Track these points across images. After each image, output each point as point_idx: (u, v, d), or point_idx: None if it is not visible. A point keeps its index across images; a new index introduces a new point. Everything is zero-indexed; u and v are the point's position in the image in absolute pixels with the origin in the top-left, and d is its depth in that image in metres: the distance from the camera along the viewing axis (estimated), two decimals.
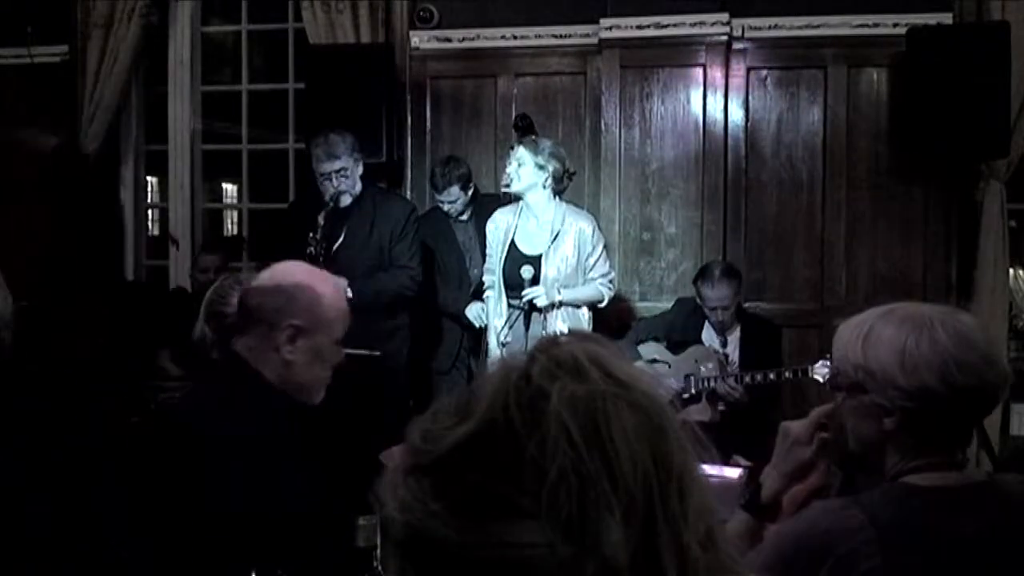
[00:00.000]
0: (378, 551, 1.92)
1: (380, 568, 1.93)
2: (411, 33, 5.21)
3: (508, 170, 4.05)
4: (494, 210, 4.38)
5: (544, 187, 3.99)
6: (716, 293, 4.06)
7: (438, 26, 5.23)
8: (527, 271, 3.94)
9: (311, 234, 4.09)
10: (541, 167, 3.96)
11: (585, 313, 4.07)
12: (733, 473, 3.05)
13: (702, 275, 4.14)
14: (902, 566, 1.45)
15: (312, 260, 4.07)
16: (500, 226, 4.12)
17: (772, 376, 3.93)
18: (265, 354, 2.02)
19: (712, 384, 4.02)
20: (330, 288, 2.10)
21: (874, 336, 1.54)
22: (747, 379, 3.96)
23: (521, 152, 3.98)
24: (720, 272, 4.09)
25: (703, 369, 4.05)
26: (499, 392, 0.74)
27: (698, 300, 4.16)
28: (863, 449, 1.59)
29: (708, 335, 4.19)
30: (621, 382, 0.74)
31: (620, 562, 0.68)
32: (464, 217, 4.65)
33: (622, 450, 0.70)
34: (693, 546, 0.72)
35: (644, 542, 0.70)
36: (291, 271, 2.09)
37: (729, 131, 4.86)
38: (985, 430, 4.04)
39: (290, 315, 2.01)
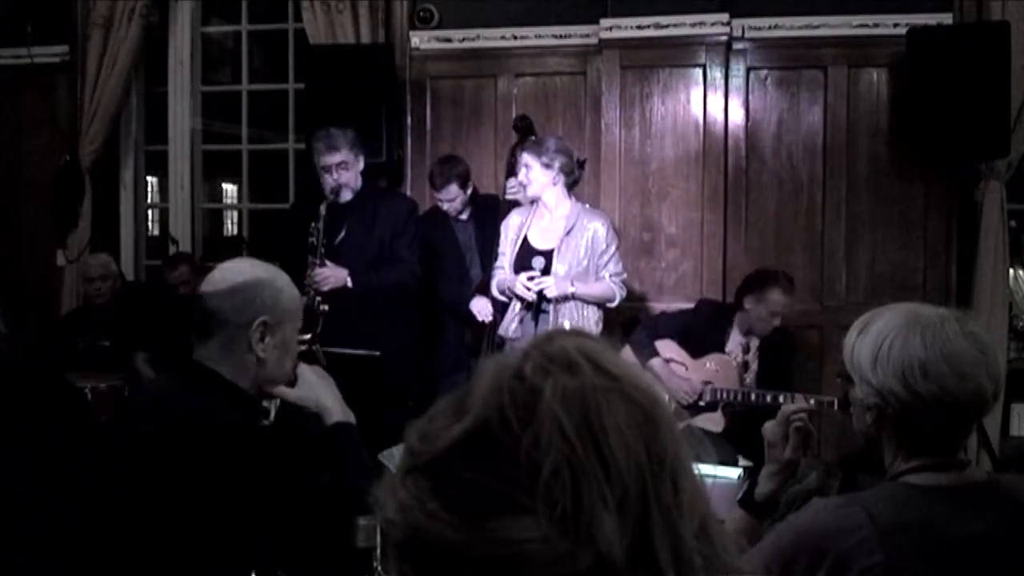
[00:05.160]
0: (378, 552, 1.92)
1: (380, 569, 1.93)
2: (411, 33, 5.22)
3: (519, 177, 4.01)
4: (493, 209, 4.37)
5: (555, 184, 3.97)
6: (787, 299, 4.04)
7: (438, 26, 5.23)
8: (538, 262, 3.92)
9: (312, 224, 4.11)
10: (548, 165, 3.95)
11: (594, 313, 4.04)
12: (732, 473, 3.06)
13: (768, 281, 4.06)
14: (901, 565, 1.45)
15: (313, 251, 4.10)
16: (513, 225, 4.10)
17: (781, 399, 3.90)
18: (235, 356, 1.96)
19: (728, 397, 4.00)
20: (284, 278, 2.05)
21: (867, 331, 1.56)
22: (768, 398, 3.94)
23: (526, 157, 3.97)
24: (784, 278, 4.09)
25: (720, 375, 4.05)
26: (493, 390, 0.74)
27: (750, 304, 4.06)
28: (864, 442, 1.61)
29: (733, 341, 4.16)
30: (613, 375, 0.75)
31: (615, 554, 0.69)
32: (464, 216, 4.65)
33: (615, 442, 0.71)
34: (687, 537, 0.72)
35: (639, 533, 0.70)
36: (240, 269, 2.02)
37: (729, 131, 4.86)
38: (985, 430, 4.04)
39: (255, 312, 1.95)
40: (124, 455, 1.98)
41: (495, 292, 4.10)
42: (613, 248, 4.01)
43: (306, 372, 2.09)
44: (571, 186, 4.04)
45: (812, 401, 3.86)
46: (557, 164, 3.94)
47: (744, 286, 4.16)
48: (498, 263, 4.14)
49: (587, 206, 4.14)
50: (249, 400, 2.01)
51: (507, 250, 4.08)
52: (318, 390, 2.08)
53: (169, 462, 1.88)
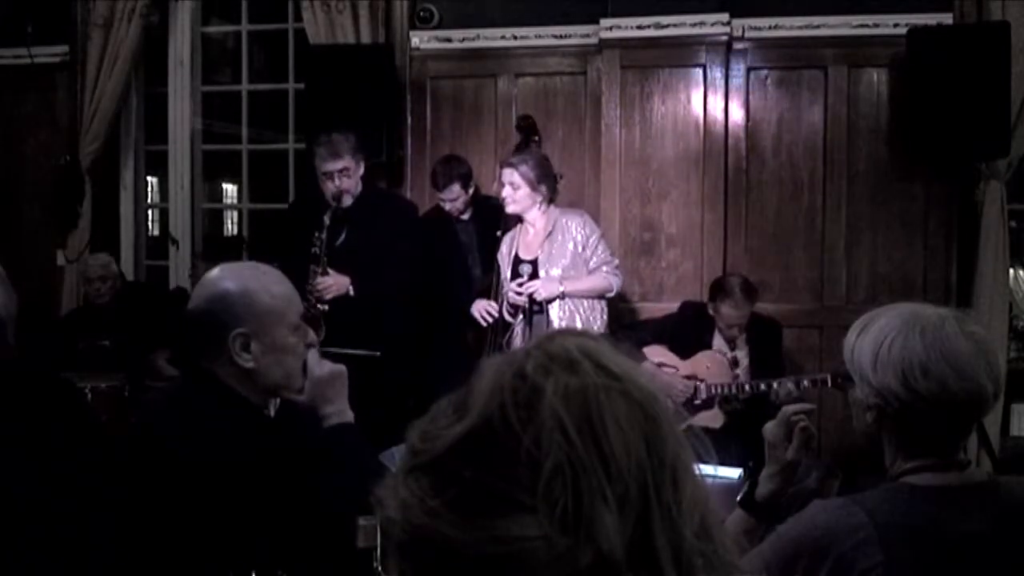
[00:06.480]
0: (378, 551, 1.92)
1: (380, 569, 1.93)
2: (411, 33, 5.21)
3: (503, 193, 4.05)
4: (495, 210, 4.38)
5: (539, 203, 4.03)
6: (738, 312, 4.08)
7: (438, 26, 5.23)
8: (525, 268, 3.98)
9: (316, 233, 4.11)
10: (535, 189, 4.00)
11: (596, 306, 4.06)
12: (732, 473, 3.06)
13: (722, 292, 4.12)
14: (902, 565, 1.45)
15: (316, 260, 4.10)
16: (505, 249, 4.17)
17: (791, 385, 3.91)
18: (228, 367, 1.95)
19: (723, 391, 4.03)
20: (260, 281, 1.99)
21: (867, 331, 1.56)
22: (763, 386, 3.96)
23: (517, 178, 3.99)
24: (741, 290, 4.09)
25: (711, 372, 4.07)
26: (495, 389, 0.74)
27: (712, 312, 4.15)
28: (865, 441, 1.61)
29: (718, 338, 4.19)
30: (614, 374, 0.75)
31: (615, 552, 0.69)
32: (465, 217, 4.65)
33: (616, 440, 0.71)
34: (688, 535, 0.73)
35: (639, 532, 0.70)
36: (215, 281, 1.99)
37: (729, 131, 4.86)
38: (985, 430, 4.04)
39: (231, 325, 1.93)
40: (127, 456, 1.98)
41: (505, 315, 4.13)
42: (594, 239, 4.04)
43: (315, 371, 2.04)
44: (550, 202, 4.09)
45: (805, 382, 3.88)
46: (544, 190, 4.01)
47: (709, 294, 4.24)
48: (504, 288, 4.17)
49: (562, 208, 4.17)
50: (246, 405, 2.00)
51: (505, 272, 4.13)
52: (320, 396, 2.03)
53: (170, 463, 1.88)
